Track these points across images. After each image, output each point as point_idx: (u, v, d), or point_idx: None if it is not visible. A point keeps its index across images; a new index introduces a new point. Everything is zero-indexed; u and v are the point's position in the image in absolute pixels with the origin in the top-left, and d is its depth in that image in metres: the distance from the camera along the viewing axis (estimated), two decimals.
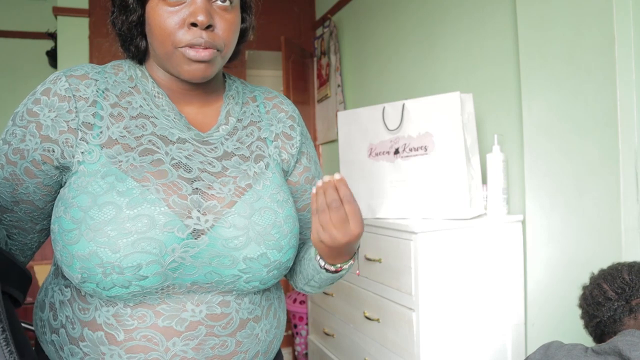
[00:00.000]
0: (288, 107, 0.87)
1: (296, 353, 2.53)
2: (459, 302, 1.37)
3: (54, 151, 0.66)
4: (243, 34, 0.78)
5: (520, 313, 1.45)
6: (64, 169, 0.68)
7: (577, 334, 1.25)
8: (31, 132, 0.66)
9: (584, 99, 1.23)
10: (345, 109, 2.75)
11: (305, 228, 0.88)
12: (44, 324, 0.73)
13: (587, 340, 0.96)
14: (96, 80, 0.71)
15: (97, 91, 0.70)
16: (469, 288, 1.39)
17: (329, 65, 2.92)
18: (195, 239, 0.66)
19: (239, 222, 0.69)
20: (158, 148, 0.69)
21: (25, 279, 0.64)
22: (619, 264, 0.96)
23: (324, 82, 2.99)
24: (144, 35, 0.72)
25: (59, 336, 0.70)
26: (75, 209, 0.63)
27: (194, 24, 0.66)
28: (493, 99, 1.62)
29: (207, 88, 0.77)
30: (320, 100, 3.08)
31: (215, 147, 0.74)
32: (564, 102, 1.28)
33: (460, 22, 1.78)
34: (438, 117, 1.42)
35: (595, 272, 0.99)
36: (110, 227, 0.61)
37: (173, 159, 0.70)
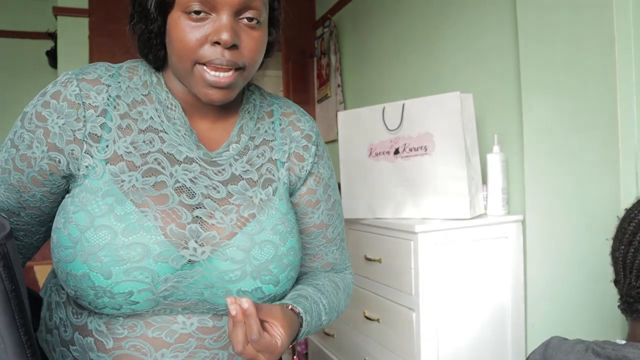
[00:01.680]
0: (305, 124, 0.82)
1: (296, 353, 2.53)
2: (459, 302, 1.37)
3: (60, 162, 0.65)
4: (270, 47, 0.74)
5: (520, 313, 1.45)
6: (70, 177, 0.67)
7: (577, 334, 1.25)
8: (38, 138, 0.65)
9: (584, 99, 1.23)
10: (345, 109, 2.75)
11: (303, 253, 0.84)
12: (40, 322, 0.73)
13: (589, 339, 0.95)
14: (108, 86, 0.68)
15: (108, 98, 0.67)
16: (469, 288, 1.38)
17: (329, 65, 2.92)
18: (190, 269, 0.64)
19: (237, 255, 0.67)
20: (163, 168, 0.67)
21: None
22: None
23: (324, 82, 2.99)
24: (163, 46, 0.68)
25: (52, 336, 0.70)
26: (73, 226, 0.62)
27: (217, 42, 0.62)
28: (493, 99, 1.62)
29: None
30: (320, 101, 3.08)
31: (223, 169, 0.72)
32: (564, 102, 1.28)
33: (460, 22, 1.78)
34: (438, 117, 1.42)
35: (594, 271, 0.90)
36: (104, 252, 0.60)
37: (177, 181, 0.67)
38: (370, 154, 1.59)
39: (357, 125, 1.63)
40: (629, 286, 0.76)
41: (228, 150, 0.73)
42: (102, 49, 2.83)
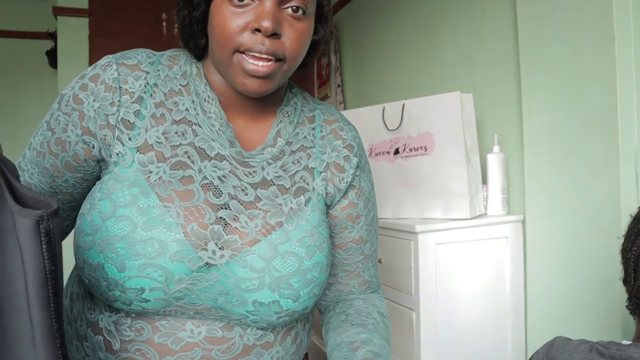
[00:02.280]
0: (347, 134, 0.77)
1: None
2: (459, 302, 1.37)
3: (93, 147, 0.65)
4: (315, 46, 0.71)
5: (520, 313, 1.45)
6: (102, 163, 0.67)
7: (577, 334, 1.24)
8: (74, 121, 0.64)
9: (584, 99, 1.22)
10: (345, 109, 2.75)
11: (340, 269, 0.80)
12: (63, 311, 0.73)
13: (589, 339, 0.95)
14: (147, 73, 0.67)
15: (145, 85, 0.66)
16: (469, 288, 1.38)
17: (329, 65, 2.92)
18: (206, 272, 0.61)
19: (257, 263, 0.63)
20: (192, 162, 0.65)
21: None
22: None
23: (324, 82, 2.99)
24: (204, 34, 0.67)
25: (71, 328, 0.69)
26: (96, 213, 0.61)
27: (257, 29, 0.60)
28: (493, 99, 1.62)
29: (264, 99, 0.70)
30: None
31: (254, 171, 0.68)
32: (564, 102, 1.28)
33: (460, 22, 1.78)
34: (438, 117, 1.42)
35: (597, 268, 0.87)
36: (121, 244, 0.59)
37: (205, 178, 0.65)
38: (370, 153, 1.59)
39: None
40: (639, 288, 0.76)
41: (262, 154, 0.70)
42: (102, 49, 2.82)
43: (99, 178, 0.68)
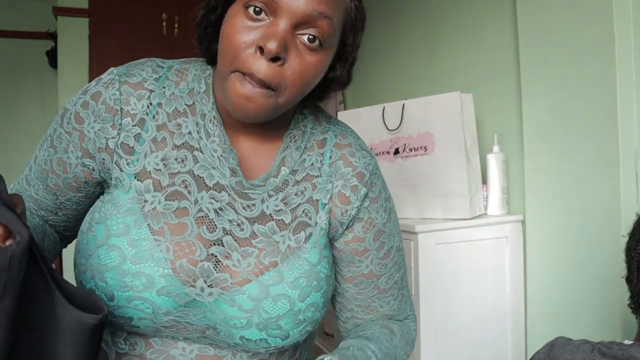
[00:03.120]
0: (359, 161, 0.71)
1: None
2: (458, 302, 1.37)
3: (93, 169, 0.64)
4: (327, 84, 0.66)
5: (520, 313, 1.45)
6: (104, 183, 0.66)
7: (577, 333, 1.24)
8: (74, 142, 0.63)
9: (584, 99, 1.22)
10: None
11: (354, 304, 0.75)
12: None
13: (589, 339, 0.95)
14: (151, 92, 0.63)
15: (148, 106, 0.63)
16: (469, 288, 1.38)
17: None
18: (193, 308, 0.60)
19: (246, 304, 0.61)
20: (189, 193, 0.62)
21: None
22: None
23: None
24: (216, 38, 0.62)
25: None
26: (92, 236, 0.61)
27: (261, 48, 0.55)
28: (493, 99, 1.61)
29: (268, 122, 0.64)
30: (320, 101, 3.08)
31: (253, 204, 0.65)
32: (564, 102, 1.28)
33: (460, 22, 1.78)
34: (438, 117, 1.42)
35: (599, 269, 0.86)
36: (110, 274, 0.58)
37: (200, 210, 0.62)
38: None
39: (357, 125, 1.63)
40: None
41: (264, 185, 0.65)
42: (102, 49, 2.82)
43: (102, 193, 0.67)
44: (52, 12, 2.90)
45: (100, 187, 0.67)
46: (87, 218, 0.64)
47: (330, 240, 0.71)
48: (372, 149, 1.59)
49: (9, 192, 0.68)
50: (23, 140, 3.48)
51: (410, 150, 1.49)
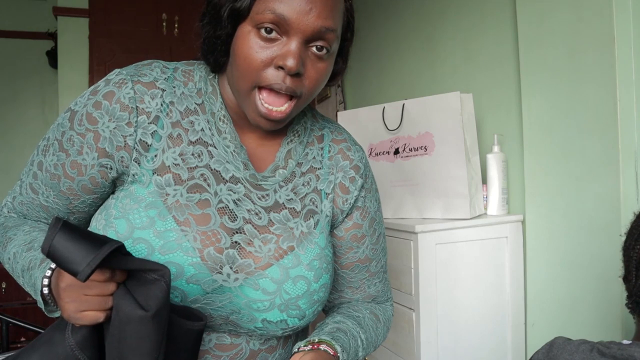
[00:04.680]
0: (354, 154, 0.78)
1: None
2: (458, 302, 1.37)
3: (111, 168, 0.65)
4: (332, 77, 0.71)
5: (520, 313, 1.45)
6: (118, 181, 0.67)
7: (577, 333, 1.24)
8: (89, 143, 0.64)
9: (584, 99, 1.23)
10: (345, 109, 2.75)
11: (346, 287, 0.82)
12: None
13: (589, 339, 0.95)
14: (163, 91, 0.66)
15: (162, 104, 0.65)
16: (469, 288, 1.38)
17: None
18: (220, 294, 0.64)
19: (269, 286, 0.65)
20: (208, 186, 0.66)
21: None
22: None
23: None
24: (226, 53, 0.65)
25: None
26: (112, 231, 0.61)
27: (281, 67, 0.60)
28: (493, 99, 1.62)
29: None
30: (320, 100, 3.08)
31: (267, 195, 0.70)
32: (564, 102, 1.28)
33: (460, 22, 1.78)
34: (438, 117, 1.42)
35: (597, 269, 0.86)
36: None
37: (221, 201, 0.66)
38: (370, 153, 1.59)
39: (357, 125, 1.63)
40: None
41: (274, 176, 0.71)
42: (102, 49, 2.83)
43: (113, 192, 0.68)
44: (52, 12, 2.90)
45: (113, 186, 0.67)
46: (98, 217, 0.65)
47: (332, 229, 0.77)
48: (372, 149, 1.60)
49: (11, 201, 0.70)
50: (23, 140, 3.48)
51: (410, 150, 1.49)
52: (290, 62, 0.59)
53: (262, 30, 0.60)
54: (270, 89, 0.61)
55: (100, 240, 0.50)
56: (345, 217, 0.77)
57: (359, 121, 1.62)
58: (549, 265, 1.36)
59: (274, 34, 0.60)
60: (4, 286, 3.05)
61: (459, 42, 1.79)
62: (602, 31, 1.16)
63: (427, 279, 1.32)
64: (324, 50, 0.62)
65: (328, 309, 0.84)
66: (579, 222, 1.27)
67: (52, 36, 3.18)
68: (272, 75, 0.61)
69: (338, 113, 1.73)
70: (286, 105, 0.63)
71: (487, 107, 1.64)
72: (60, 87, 2.83)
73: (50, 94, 3.48)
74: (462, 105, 1.40)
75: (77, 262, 0.47)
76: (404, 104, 1.50)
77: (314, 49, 0.62)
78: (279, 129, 0.70)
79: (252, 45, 0.60)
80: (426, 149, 1.45)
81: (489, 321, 1.41)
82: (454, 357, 1.36)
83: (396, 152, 1.52)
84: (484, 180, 1.52)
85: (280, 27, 0.59)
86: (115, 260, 0.51)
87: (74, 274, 0.48)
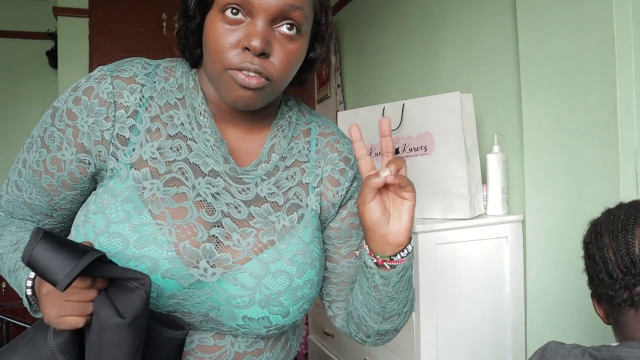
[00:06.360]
0: (343, 147, 0.77)
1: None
2: (459, 302, 1.37)
3: (89, 163, 0.65)
4: (311, 64, 0.71)
5: (520, 313, 1.45)
6: (97, 177, 0.67)
7: (577, 333, 1.25)
8: (68, 139, 0.64)
9: (584, 99, 1.23)
10: (345, 109, 2.75)
11: (340, 276, 0.79)
12: None
13: (589, 339, 0.95)
14: (142, 86, 0.66)
15: (140, 99, 0.65)
16: (469, 288, 1.38)
17: (328, 65, 2.92)
18: (197, 289, 0.62)
19: (248, 282, 0.64)
20: (186, 179, 0.65)
21: None
22: (635, 220, 0.78)
23: (324, 82, 2.99)
24: (199, 44, 0.66)
25: None
26: (90, 227, 0.61)
27: (247, 48, 0.60)
28: (493, 99, 1.62)
29: (257, 113, 0.70)
30: (320, 101, 3.08)
31: (248, 188, 0.68)
32: (564, 102, 1.28)
33: (460, 22, 1.78)
34: (438, 117, 1.42)
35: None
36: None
37: (198, 195, 0.65)
38: (370, 153, 1.59)
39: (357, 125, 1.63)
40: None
41: (256, 170, 0.70)
42: (102, 49, 2.82)
43: (95, 189, 0.68)
44: (52, 12, 2.90)
45: (94, 183, 0.67)
46: (80, 213, 0.65)
47: (325, 223, 0.76)
48: (372, 149, 1.60)
49: None
50: (23, 140, 3.47)
51: (410, 150, 1.49)
52: (255, 42, 0.59)
53: (228, 12, 0.60)
54: (240, 71, 0.61)
55: (81, 250, 0.50)
56: (339, 208, 0.76)
57: (359, 121, 1.62)
58: (549, 265, 1.36)
59: (240, 16, 0.60)
60: (4, 286, 3.06)
61: (459, 42, 1.79)
62: (602, 31, 1.16)
63: (427, 279, 1.32)
64: (294, 30, 0.61)
65: (344, 308, 0.81)
66: (579, 222, 1.26)
67: (52, 36, 3.18)
68: (240, 57, 0.60)
69: (338, 113, 1.73)
70: (258, 79, 0.61)
71: (487, 107, 1.64)
72: (60, 87, 2.82)
73: (50, 94, 3.47)
74: (462, 105, 1.40)
75: (56, 273, 0.48)
76: (404, 104, 1.50)
77: (282, 28, 0.61)
78: (262, 122, 0.72)
79: (218, 29, 0.61)
80: (426, 149, 1.45)
81: (489, 321, 1.41)
82: (454, 357, 1.36)
83: (396, 152, 1.52)
84: (484, 180, 1.52)
85: (244, 7, 0.59)
86: (96, 268, 0.51)
87: (53, 284, 0.48)
